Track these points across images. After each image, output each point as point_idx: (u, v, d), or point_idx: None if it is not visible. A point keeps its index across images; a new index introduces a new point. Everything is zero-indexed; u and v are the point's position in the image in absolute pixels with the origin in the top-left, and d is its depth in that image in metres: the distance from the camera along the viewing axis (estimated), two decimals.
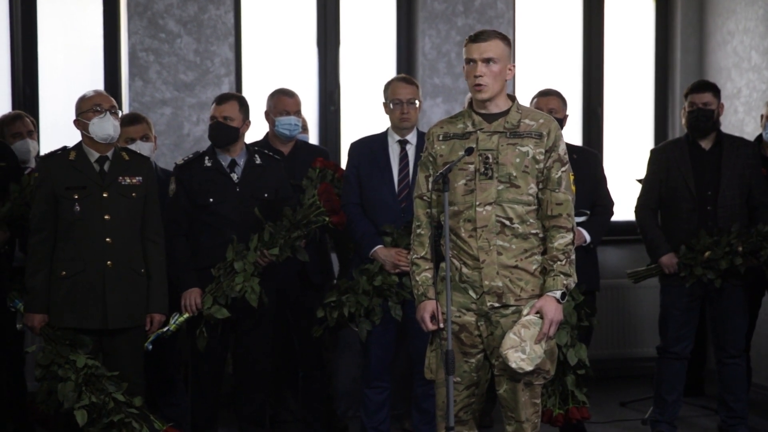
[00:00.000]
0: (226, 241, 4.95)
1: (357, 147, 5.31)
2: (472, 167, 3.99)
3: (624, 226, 6.92)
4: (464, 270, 4.00)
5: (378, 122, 5.58)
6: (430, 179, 4.09)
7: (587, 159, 5.52)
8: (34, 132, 5.62)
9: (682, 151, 5.64)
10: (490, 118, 4.03)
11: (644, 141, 7.52)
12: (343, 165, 5.44)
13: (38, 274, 4.66)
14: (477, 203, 3.97)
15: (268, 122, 5.63)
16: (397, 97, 5.17)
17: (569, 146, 4.19)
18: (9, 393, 5.29)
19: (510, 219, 3.96)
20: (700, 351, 6.69)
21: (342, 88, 6.93)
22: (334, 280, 5.76)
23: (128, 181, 4.73)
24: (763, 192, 5.59)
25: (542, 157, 3.99)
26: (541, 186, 4.00)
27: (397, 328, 5.17)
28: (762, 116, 5.78)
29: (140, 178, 4.77)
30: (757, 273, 5.56)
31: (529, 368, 3.88)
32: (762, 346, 6.59)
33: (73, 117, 4.76)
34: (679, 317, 5.61)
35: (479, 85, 3.98)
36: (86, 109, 4.70)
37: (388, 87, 5.22)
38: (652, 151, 5.83)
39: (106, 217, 4.66)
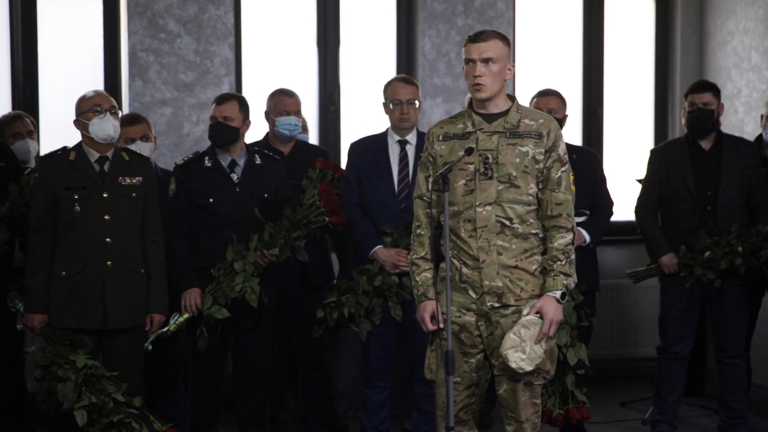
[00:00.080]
0: (226, 241, 4.95)
1: (357, 147, 5.31)
2: (471, 167, 3.99)
3: (624, 226, 6.92)
4: (464, 270, 4.00)
5: (378, 122, 5.58)
6: (430, 179, 4.09)
7: (587, 159, 5.52)
8: (34, 132, 5.62)
9: (682, 151, 5.64)
10: (490, 118, 4.03)
11: (644, 141, 7.52)
12: (343, 165, 5.44)
13: (38, 274, 4.66)
14: (477, 203, 3.97)
15: (268, 122, 5.63)
16: (397, 98, 5.17)
17: (569, 146, 4.19)
18: (9, 393, 5.29)
19: (510, 219, 3.96)
20: (700, 351, 6.69)
21: (342, 89, 6.93)
22: (334, 281, 5.76)
23: (128, 181, 4.73)
24: (763, 192, 5.59)
25: (542, 157, 3.99)
26: (540, 186, 4.00)
27: (397, 328, 5.17)
28: (762, 116, 5.78)
29: (140, 178, 4.76)
30: (757, 273, 5.56)
31: (529, 368, 3.89)
32: (762, 346, 6.59)
33: (73, 117, 4.76)
34: (679, 317, 5.61)
35: (478, 85, 3.98)
36: (86, 109, 4.70)
37: (388, 87, 5.22)
38: (652, 151, 5.83)
39: (106, 217, 4.66)
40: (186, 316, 4.94)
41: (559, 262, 3.96)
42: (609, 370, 7.04)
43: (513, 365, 3.86)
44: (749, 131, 6.80)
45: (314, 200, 5.08)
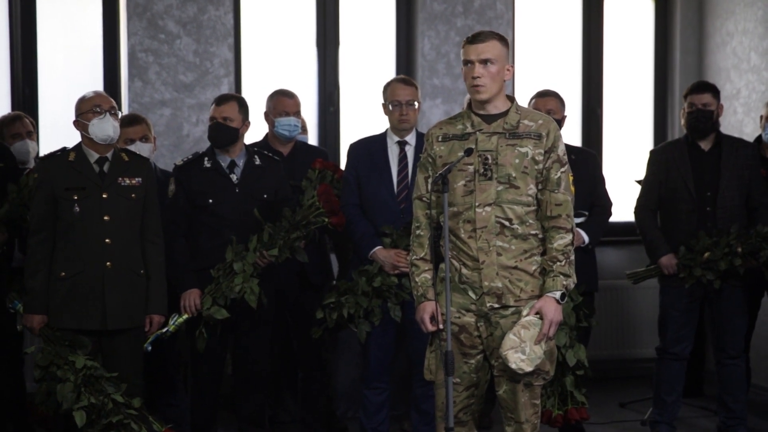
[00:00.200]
0: (226, 242, 4.95)
1: (356, 148, 5.31)
2: (471, 168, 3.99)
3: (623, 226, 6.92)
4: (464, 271, 4.00)
5: (377, 123, 5.58)
6: (430, 180, 4.09)
7: (585, 160, 5.52)
8: (33, 133, 5.62)
9: (681, 152, 5.64)
10: (489, 119, 4.03)
11: (643, 142, 7.52)
12: (343, 166, 5.44)
13: (37, 274, 4.66)
14: (476, 204, 3.97)
15: (268, 123, 5.63)
16: (396, 99, 5.17)
17: (567, 147, 4.19)
18: (8, 394, 5.29)
19: (509, 220, 3.96)
20: (700, 352, 6.69)
21: (341, 89, 6.93)
22: (333, 281, 5.77)
23: (128, 182, 4.73)
24: (762, 193, 5.59)
25: (541, 157, 3.99)
26: (540, 187, 4.01)
27: (396, 329, 5.17)
28: (761, 117, 5.78)
29: (140, 179, 4.76)
30: (756, 274, 5.56)
31: (529, 369, 3.89)
32: (761, 347, 6.59)
33: (73, 118, 4.76)
34: (679, 318, 5.61)
35: (477, 86, 3.98)
36: (86, 110, 4.70)
37: (387, 88, 5.22)
38: (652, 152, 5.83)
39: (106, 218, 4.66)
40: (185, 316, 4.94)
41: (558, 263, 3.96)
42: (608, 371, 7.04)
43: (513, 366, 3.86)
44: (748, 132, 6.80)
45: (313, 201, 5.08)
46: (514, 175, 3.96)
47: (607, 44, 7.47)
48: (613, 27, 7.49)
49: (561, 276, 3.95)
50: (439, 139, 4.08)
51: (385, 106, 5.23)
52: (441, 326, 3.97)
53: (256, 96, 6.01)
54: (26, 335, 5.20)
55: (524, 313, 3.94)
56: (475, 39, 4.00)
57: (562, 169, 4.02)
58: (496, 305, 3.97)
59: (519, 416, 4.01)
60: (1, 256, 5.10)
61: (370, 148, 5.26)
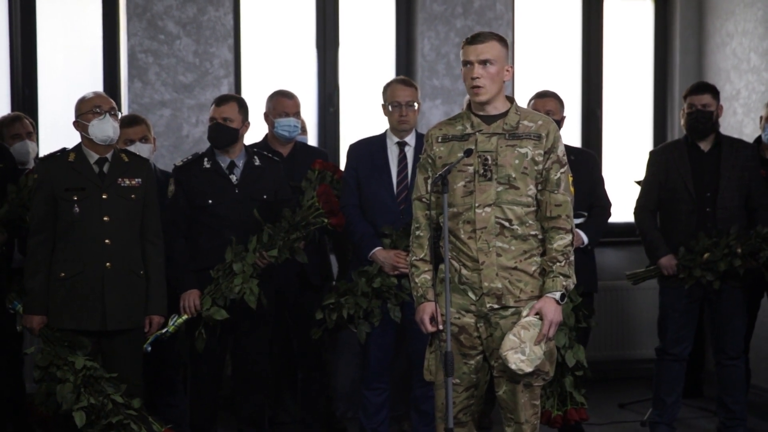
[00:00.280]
0: (225, 243, 4.95)
1: (356, 149, 5.31)
2: (471, 169, 3.99)
3: (623, 227, 6.92)
4: (463, 271, 4.00)
5: (377, 124, 5.58)
6: (429, 181, 4.09)
7: (585, 160, 5.52)
8: (33, 133, 5.62)
9: (681, 152, 5.64)
10: (489, 119, 4.04)
11: (643, 142, 7.52)
12: (342, 166, 5.44)
13: (37, 275, 4.66)
14: (476, 205, 3.97)
15: (268, 124, 5.63)
16: (396, 100, 5.17)
17: (567, 147, 4.19)
18: (8, 394, 5.29)
19: (509, 220, 3.96)
20: (699, 352, 6.69)
21: (341, 90, 6.93)
22: (333, 282, 5.77)
23: (127, 182, 4.73)
24: (762, 194, 5.59)
25: (541, 158, 3.99)
26: (540, 187, 4.01)
27: (396, 329, 5.17)
28: (761, 118, 5.78)
29: (139, 179, 4.76)
30: (756, 275, 5.55)
31: (529, 369, 3.89)
32: (761, 348, 6.59)
33: (73, 118, 4.76)
34: (678, 319, 5.61)
35: (477, 86, 3.98)
36: (86, 110, 4.70)
37: (387, 89, 5.22)
38: (651, 153, 5.84)
39: (105, 218, 4.66)
40: (185, 317, 4.94)
41: (558, 264, 3.96)
42: (608, 372, 7.04)
43: (513, 366, 3.86)
44: (748, 133, 6.80)
45: (313, 202, 5.08)
46: (513, 175, 3.97)
47: (607, 45, 7.47)
48: (612, 28, 7.49)
49: (561, 276, 3.95)
50: (439, 140, 4.08)
51: (384, 106, 5.23)
52: (441, 327, 3.97)
53: (255, 97, 6.01)
54: (26, 336, 5.20)
55: (524, 313, 3.94)
56: (474, 40, 4.01)
57: (562, 170, 4.02)
58: (496, 306, 3.97)
59: (519, 417, 4.01)
60: (1, 256, 5.10)
61: (369, 149, 5.26)
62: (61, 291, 4.64)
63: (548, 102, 5.45)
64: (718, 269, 5.43)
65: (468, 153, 3.96)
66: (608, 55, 7.48)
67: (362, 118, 6.77)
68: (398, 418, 6.01)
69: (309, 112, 6.75)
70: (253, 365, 5.15)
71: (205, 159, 5.12)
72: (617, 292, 7.17)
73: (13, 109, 6.33)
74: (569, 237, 3.99)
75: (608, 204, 5.60)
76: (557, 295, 3.95)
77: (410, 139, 5.23)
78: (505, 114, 4.04)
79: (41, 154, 5.38)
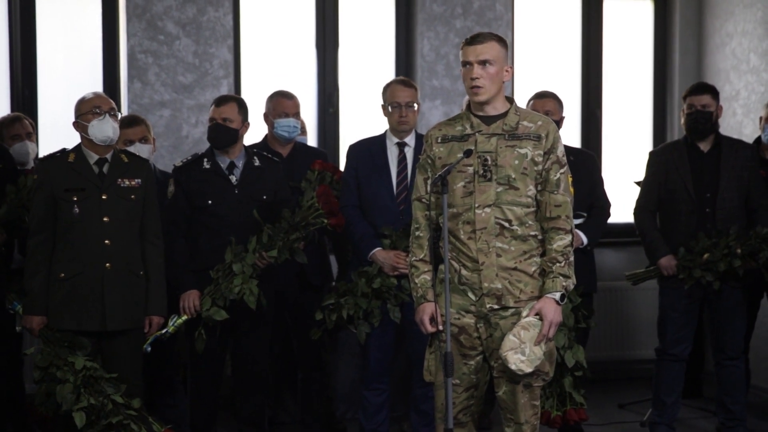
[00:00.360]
0: (225, 243, 4.95)
1: (355, 149, 5.31)
2: (470, 169, 3.99)
3: (622, 228, 6.92)
4: (463, 272, 4.00)
5: (377, 124, 5.58)
6: (429, 181, 4.09)
7: (584, 161, 5.52)
8: (33, 134, 5.62)
9: (680, 153, 5.64)
10: (489, 120, 4.04)
11: (643, 143, 7.52)
12: (342, 167, 5.44)
13: (37, 276, 4.66)
14: (476, 205, 3.97)
15: (267, 124, 5.63)
16: (396, 100, 5.17)
17: (566, 148, 4.19)
18: (7, 395, 5.28)
19: (509, 221, 3.96)
20: (699, 353, 6.69)
21: (341, 90, 6.93)
22: (332, 282, 5.77)
23: (127, 183, 4.73)
24: (761, 194, 5.59)
25: (541, 159, 3.99)
26: (539, 188, 4.01)
27: (395, 330, 5.17)
28: (761, 118, 5.78)
29: (139, 180, 4.76)
30: (755, 275, 5.55)
31: (529, 370, 3.89)
32: (760, 348, 6.59)
33: (72, 119, 4.76)
34: (678, 319, 5.61)
35: (476, 87, 3.98)
36: (85, 111, 4.70)
37: (387, 89, 5.22)
38: (651, 153, 5.84)
39: (105, 219, 4.66)
40: (184, 317, 4.94)
41: (558, 264, 3.96)
42: (608, 372, 7.04)
43: (513, 367, 3.86)
44: (748, 133, 6.80)
45: (313, 202, 5.08)
46: (513, 176, 3.97)
47: (607, 45, 7.47)
48: (612, 28, 7.49)
49: (560, 277, 3.95)
50: (439, 141, 4.08)
51: (384, 107, 5.23)
52: (440, 327, 3.98)
53: (255, 97, 6.01)
54: (26, 336, 5.20)
55: (524, 314, 3.94)
56: (473, 40, 4.01)
57: (562, 170, 4.02)
58: (496, 306, 3.97)
59: (518, 417, 4.01)
60: (0, 257, 5.10)
61: (369, 150, 5.26)
62: (60, 291, 4.64)
63: (547, 102, 5.46)
64: (717, 270, 5.43)
65: (468, 153, 3.96)
66: (608, 56, 7.48)
67: (362, 118, 6.77)
68: (398, 418, 6.01)
69: (308, 113, 6.75)
70: (252, 366, 5.15)
71: (205, 159, 5.12)
72: (617, 293, 7.18)
73: (12, 109, 6.33)
74: (569, 237, 3.99)
75: (608, 204, 5.61)
76: (557, 295, 3.95)
77: (410, 139, 5.23)
78: (504, 114, 4.04)
79: (41, 155, 5.38)
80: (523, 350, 3.87)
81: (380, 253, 5.08)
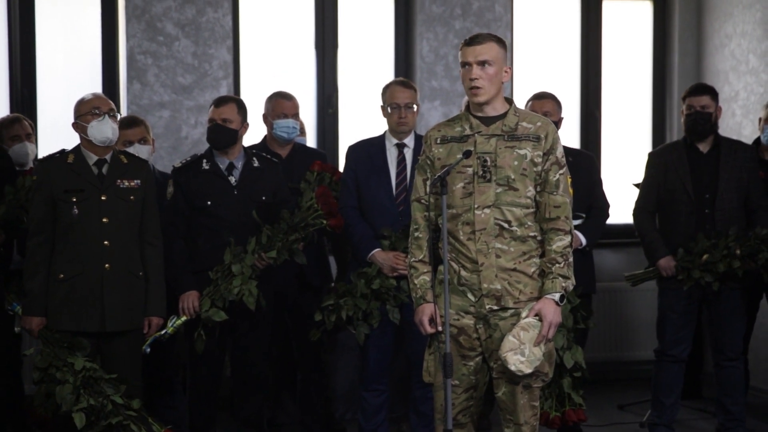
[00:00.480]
0: (224, 244, 4.95)
1: (354, 150, 5.31)
2: (470, 170, 4.00)
3: (621, 229, 6.92)
4: (463, 273, 4.00)
5: (376, 125, 5.58)
6: (428, 182, 4.09)
7: (583, 162, 5.53)
8: (32, 135, 5.61)
9: (680, 154, 5.65)
10: (488, 121, 4.04)
11: (642, 144, 7.52)
12: (341, 168, 5.44)
13: (36, 276, 4.66)
14: (475, 206, 3.97)
15: (266, 125, 5.63)
16: (395, 101, 5.17)
17: (565, 149, 4.19)
18: (7, 396, 5.28)
19: (508, 222, 3.97)
20: (698, 354, 6.69)
21: (340, 91, 6.93)
22: (331, 284, 5.77)
23: (126, 184, 4.73)
24: (760, 195, 5.59)
25: (540, 159, 3.99)
26: (539, 189, 4.01)
27: (395, 331, 5.17)
28: (760, 119, 5.79)
29: (138, 181, 4.77)
30: (754, 276, 5.56)
31: (529, 371, 3.89)
32: (760, 349, 6.60)
33: (72, 120, 4.76)
34: (677, 320, 5.62)
35: (475, 88, 3.98)
36: (85, 112, 4.70)
37: (386, 90, 5.22)
38: (650, 154, 5.84)
39: (105, 220, 4.66)
40: (184, 318, 4.94)
41: (557, 265, 3.96)
42: (607, 373, 7.04)
43: (512, 368, 3.87)
44: (747, 134, 6.80)
45: (312, 203, 5.08)
46: (512, 177, 3.97)
47: (606, 46, 7.46)
48: (611, 29, 7.49)
49: (560, 278, 3.95)
50: (438, 141, 4.09)
51: (383, 108, 5.23)
52: (440, 328, 3.98)
53: (254, 98, 6.01)
54: (25, 337, 5.20)
55: (523, 315, 3.94)
56: (472, 41, 4.01)
57: (561, 171, 4.02)
58: (495, 307, 3.97)
59: (518, 418, 4.01)
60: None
61: (368, 151, 5.26)
62: (60, 292, 4.64)
63: (546, 103, 5.46)
64: (717, 270, 5.43)
65: (467, 154, 3.96)
66: (607, 57, 7.47)
67: (361, 119, 6.78)
68: (397, 419, 6.00)
69: (308, 114, 6.75)
70: (252, 366, 5.15)
71: (204, 160, 5.12)
72: (616, 294, 7.17)
73: (12, 110, 6.33)
74: (568, 238, 3.99)
75: (606, 205, 5.61)
76: (556, 296, 3.95)
77: (409, 140, 5.23)
78: (503, 115, 4.04)
79: (40, 156, 5.38)
80: (522, 351, 3.87)
81: (379, 254, 5.08)
